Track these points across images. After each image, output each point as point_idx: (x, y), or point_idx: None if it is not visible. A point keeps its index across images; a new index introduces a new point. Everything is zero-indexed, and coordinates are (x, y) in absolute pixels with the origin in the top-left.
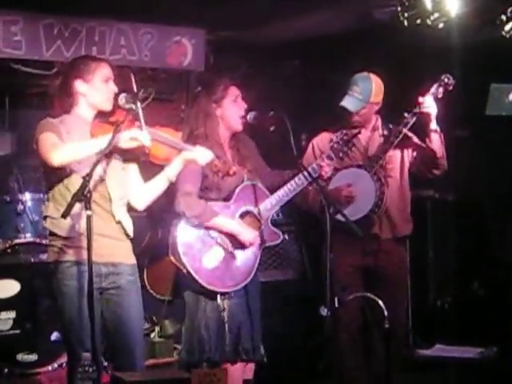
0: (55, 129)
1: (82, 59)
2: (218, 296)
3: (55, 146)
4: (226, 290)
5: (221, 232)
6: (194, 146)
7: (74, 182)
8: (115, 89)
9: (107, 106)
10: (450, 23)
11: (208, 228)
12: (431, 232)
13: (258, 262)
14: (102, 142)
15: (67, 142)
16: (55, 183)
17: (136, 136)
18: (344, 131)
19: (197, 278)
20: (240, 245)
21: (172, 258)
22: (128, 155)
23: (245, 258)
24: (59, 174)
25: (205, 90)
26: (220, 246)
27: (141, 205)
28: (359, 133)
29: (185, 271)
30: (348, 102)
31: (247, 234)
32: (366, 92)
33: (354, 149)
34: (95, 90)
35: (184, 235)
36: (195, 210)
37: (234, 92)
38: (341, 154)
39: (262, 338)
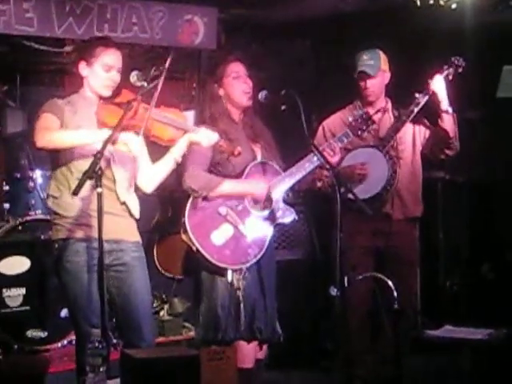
0: (58, 110)
1: (92, 42)
2: (229, 273)
3: (46, 130)
4: (236, 267)
5: (229, 206)
6: (199, 127)
7: (77, 165)
8: (117, 78)
9: (105, 93)
10: (462, 4)
11: (214, 199)
12: (441, 214)
13: (269, 238)
14: (89, 135)
15: (70, 124)
16: (58, 163)
17: (127, 141)
18: (363, 110)
19: (205, 254)
20: (247, 213)
21: (183, 236)
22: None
23: (255, 235)
24: (63, 155)
25: (208, 73)
26: (229, 223)
27: (149, 187)
28: (379, 111)
29: (194, 248)
30: (364, 67)
31: (256, 188)
32: (375, 58)
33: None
34: (95, 76)
35: (193, 213)
36: (201, 181)
37: (233, 69)
38: (359, 132)
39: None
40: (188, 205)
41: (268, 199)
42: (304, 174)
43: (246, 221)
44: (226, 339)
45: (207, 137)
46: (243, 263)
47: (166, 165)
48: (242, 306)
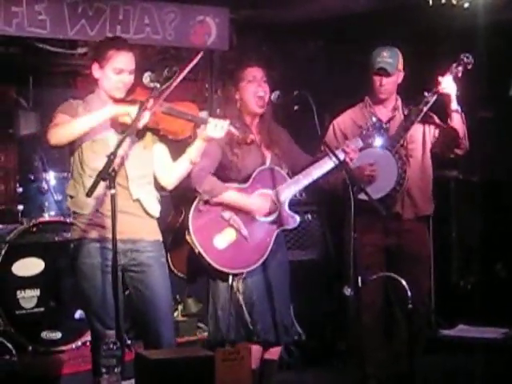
0: (71, 110)
1: (104, 44)
2: (230, 277)
3: (56, 126)
4: (236, 272)
5: (232, 210)
6: (208, 116)
7: (88, 162)
8: (129, 80)
9: (117, 95)
10: (475, 3)
11: (218, 204)
12: (455, 213)
13: (271, 243)
14: (96, 115)
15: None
16: (73, 162)
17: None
18: (374, 119)
19: (207, 258)
20: (250, 219)
21: (188, 238)
22: (151, 135)
23: (258, 240)
24: (75, 152)
25: (228, 75)
26: (233, 227)
27: (169, 185)
28: (390, 121)
29: (196, 251)
30: (384, 65)
31: (257, 207)
32: (394, 57)
33: None
34: (106, 78)
35: (198, 215)
36: (205, 185)
37: (250, 73)
38: (370, 141)
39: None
40: (193, 207)
41: (273, 205)
42: (311, 181)
43: (249, 226)
44: (227, 341)
45: (216, 128)
46: (244, 268)
47: (182, 165)
48: (244, 308)
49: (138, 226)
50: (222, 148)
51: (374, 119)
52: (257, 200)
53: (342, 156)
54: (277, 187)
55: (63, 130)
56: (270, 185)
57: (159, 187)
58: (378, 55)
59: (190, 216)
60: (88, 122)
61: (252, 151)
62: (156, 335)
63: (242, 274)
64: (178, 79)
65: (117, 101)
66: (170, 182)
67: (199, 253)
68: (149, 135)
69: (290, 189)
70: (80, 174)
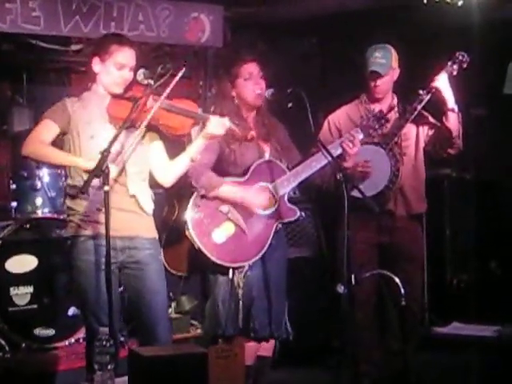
0: (60, 116)
1: (106, 39)
2: (230, 271)
3: (36, 139)
4: (236, 265)
5: (230, 204)
6: (208, 114)
7: (86, 157)
8: (129, 76)
9: (116, 91)
10: (469, 1)
11: (215, 198)
12: (448, 210)
13: (271, 236)
14: (66, 160)
15: (80, 120)
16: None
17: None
18: (376, 109)
19: (206, 252)
20: (249, 212)
21: (187, 233)
22: (148, 131)
23: (257, 233)
24: (73, 151)
25: (222, 70)
26: (231, 221)
27: (166, 182)
28: (391, 110)
29: (196, 246)
30: (376, 67)
31: (251, 197)
32: (387, 56)
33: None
34: (106, 73)
35: (195, 210)
36: (202, 180)
37: (247, 69)
38: (370, 131)
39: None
40: (190, 202)
41: (271, 198)
42: (310, 173)
43: (248, 219)
44: (226, 335)
45: (217, 125)
46: (244, 261)
47: (182, 163)
48: (240, 303)
49: (136, 223)
50: (220, 143)
51: (375, 109)
52: (254, 194)
53: (339, 150)
54: (275, 180)
55: (38, 151)
56: (269, 178)
57: (156, 184)
58: (370, 56)
59: (188, 211)
60: (58, 160)
61: (250, 146)
62: (153, 333)
63: (243, 267)
64: (167, 91)
65: (115, 96)
66: (168, 179)
67: (198, 247)
68: (147, 132)
69: (290, 181)
70: (77, 172)
